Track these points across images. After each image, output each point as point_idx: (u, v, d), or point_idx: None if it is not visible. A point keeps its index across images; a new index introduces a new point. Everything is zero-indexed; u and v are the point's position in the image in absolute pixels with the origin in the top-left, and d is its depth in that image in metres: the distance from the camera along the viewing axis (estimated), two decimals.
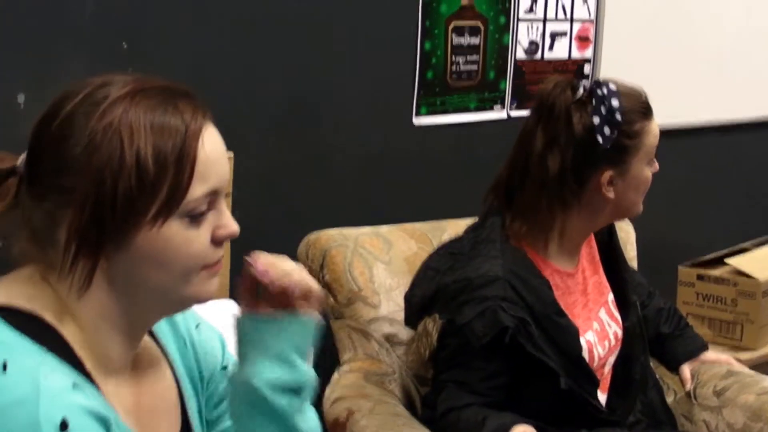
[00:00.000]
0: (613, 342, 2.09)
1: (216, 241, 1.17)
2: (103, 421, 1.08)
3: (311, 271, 2.31)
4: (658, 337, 2.31)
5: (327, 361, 2.20)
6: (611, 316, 2.12)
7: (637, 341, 2.17)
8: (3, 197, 1.15)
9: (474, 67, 2.85)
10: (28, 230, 1.15)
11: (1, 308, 1.13)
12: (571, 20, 3.09)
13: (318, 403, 1.94)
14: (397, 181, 2.74)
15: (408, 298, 2.09)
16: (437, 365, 2.02)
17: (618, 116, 1.93)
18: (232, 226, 1.18)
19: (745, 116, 3.70)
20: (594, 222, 2.05)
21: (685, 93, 3.48)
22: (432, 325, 2.03)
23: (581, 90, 1.96)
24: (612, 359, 2.12)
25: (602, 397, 2.09)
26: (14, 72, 2.19)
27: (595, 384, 2.01)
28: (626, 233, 2.56)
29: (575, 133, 1.93)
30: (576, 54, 3.12)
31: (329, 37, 2.61)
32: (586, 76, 3.15)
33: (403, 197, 2.70)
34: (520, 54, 2.97)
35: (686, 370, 2.29)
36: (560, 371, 1.91)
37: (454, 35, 2.80)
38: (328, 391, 2.17)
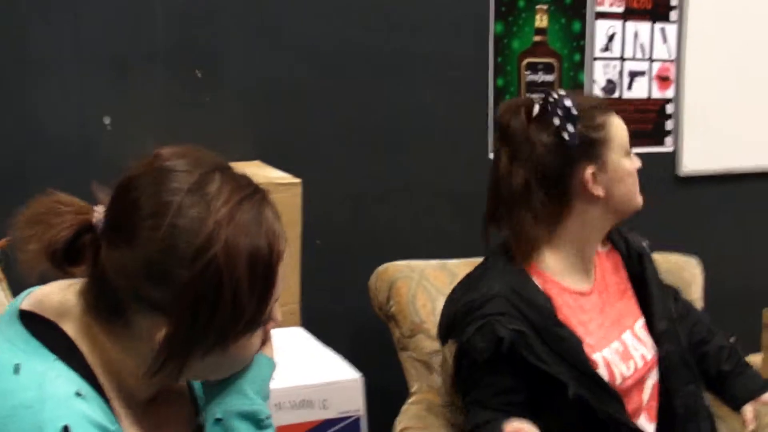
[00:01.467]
0: (640, 364, 2.07)
1: (266, 337, 1.27)
2: None
3: (379, 303, 2.37)
4: (719, 374, 2.26)
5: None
6: (639, 339, 2.11)
7: (679, 371, 2.14)
8: (81, 258, 1.17)
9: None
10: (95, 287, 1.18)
11: (25, 313, 1.17)
12: (651, 59, 3.08)
13: None
14: (472, 215, 2.77)
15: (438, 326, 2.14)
16: (459, 390, 2.06)
17: (574, 111, 1.97)
18: (279, 319, 1.25)
19: None
20: (596, 226, 2.05)
21: None
22: (449, 350, 2.08)
23: (536, 108, 2.01)
24: (650, 384, 2.10)
25: (651, 426, 2.08)
26: (100, 96, 2.37)
27: (616, 398, 1.98)
28: (692, 275, 2.56)
29: (539, 144, 1.98)
30: (656, 93, 3.11)
31: (400, 67, 2.68)
32: (669, 116, 3.14)
33: (477, 232, 2.72)
34: (598, 92, 2.97)
35: (749, 410, 2.21)
36: (568, 381, 1.91)
37: (527, 72, 2.81)
38: (397, 421, 2.22)
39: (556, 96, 2.01)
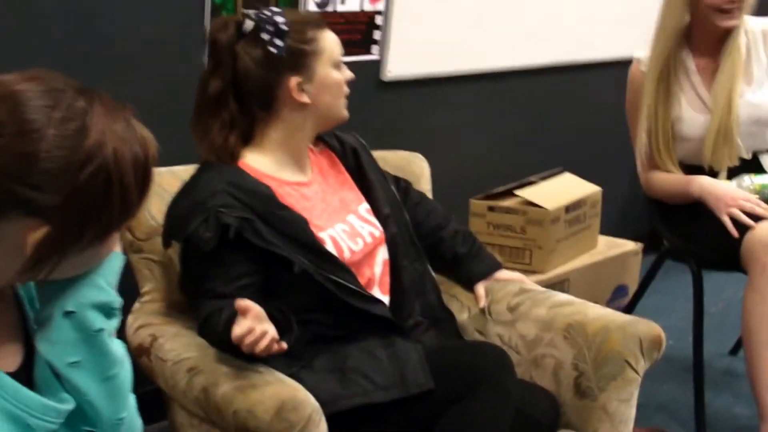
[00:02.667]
0: (368, 240, 2.32)
1: None
2: None
3: None
4: (455, 257, 2.54)
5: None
6: (365, 220, 2.36)
7: (404, 250, 2.41)
8: None
9: None
10: None
11: None
12: None
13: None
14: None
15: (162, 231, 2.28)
16: (188, 287, 2.22)
17: (284, 26, 2.20)
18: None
19: (532, 62, 4.04)
20: (301, 131, 2.28)
21: (477, 41, 3.77)
22: (174, 251, 2.25)
23: (249, 24, 2.23)
24: (381, 259, 2.35)
25: (385, 298, 2.33)
26: None
27: (346, 270, 2.21)
28: (420, 168, 2.81)
29: (247, 58, 2.21)
30: (368, 6, 3.36)
31: None
32: (378, 27, 3.40)
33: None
34: (312, 8, 3.16)
35: (480, 287, 2.52)
36: (295, 258, 2.13)
37: None
38: (130, 319, 2.33)
39: (268, 13, 2.22)
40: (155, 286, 2.38)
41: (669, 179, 3.14)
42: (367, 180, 2.43)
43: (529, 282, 2.59)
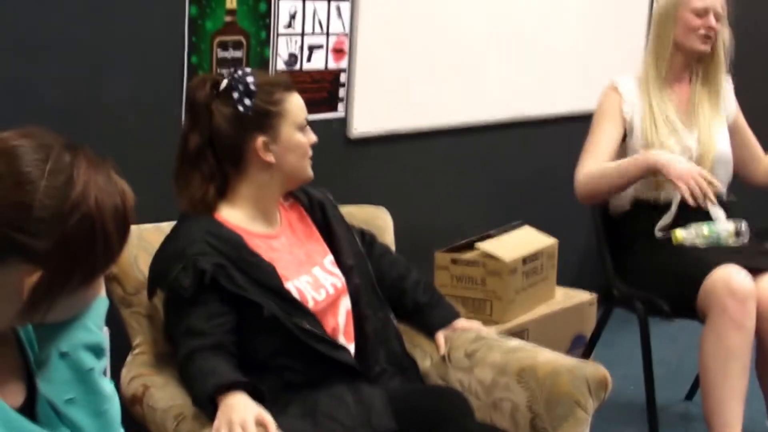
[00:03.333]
0: (331, 291, 2.44)
1: None
2: None
3: None
4: (416, 306, 2.66)
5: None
6: (329, 272, 2.48)
7: (367, 300, 2.53)
8: None
9: None
10: None
11: None
12: (327, 34, 3.50)
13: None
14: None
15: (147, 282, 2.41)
16: (170, 332, 2.35)
17: (253, 87, 2.33)
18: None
19: (493, 117, 4.20)
20: (268, 188, 2.40)
21: (439, 98, 3.93)
22: (158, 300, 2.38)
23: (224, 83, 2.37)
24: (344, 308, 2.47)
25: (351, 346, 2.46)
26: None
27: (312, 316, 2.34)
28: (384, 222, 2.94)
29: (219, 115, 2.34)
30: (332, 65, 3.54)
31: (99, 48, 2.89)
32: (342, 85, 3.59)
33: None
34: (281, 66, 3.34)
35: (441, 336, 2.63)
36: (265, 303, 2.26)
37: (219, 50, 3.16)
38: (124, 371, 2.47)
39: (240, 73, 2.36)
40: (145, 338, 2.51)
41: (614, 162, 3.25)
42: (333, 233, 2.56)
43: (485, 329, 2.71)
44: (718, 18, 3.32)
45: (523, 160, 4.40)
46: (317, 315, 2.38)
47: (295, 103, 2.40)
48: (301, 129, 2.41)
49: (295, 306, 2.33)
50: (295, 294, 2.35)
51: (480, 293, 3.54)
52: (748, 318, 2.96)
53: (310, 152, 2.43)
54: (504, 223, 3.84)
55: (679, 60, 3.37)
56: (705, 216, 3.23)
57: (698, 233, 3.17)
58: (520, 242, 3.70)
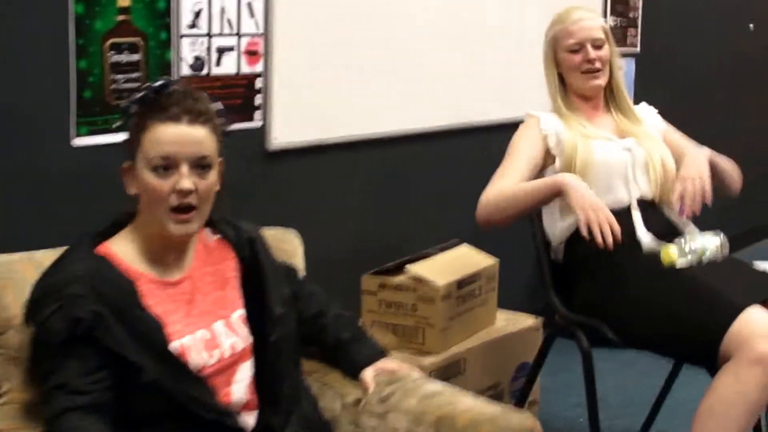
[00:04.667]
0: (227, 354, 2.23)
1: None
2: None
3: None
4: (337, 343, 2.48)
5: None
6: (232, 330, 2.26)
7: (287, 356, 2.33)
8: None
9: (136, 84, 2.95)
10: None
11: None
12: (239, 34, 3.27)
13: None
14: (58, 202, 2.83)
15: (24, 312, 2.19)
16: (38, 376, 2.14)
17: (133, 108, 2.14)
18: None
19: (427, 126, 4.04)
20: (151, 226, 2.17)
21: (369, 104, 3.76)
22: (26, 333, 2.16)
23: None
24: (244, 375, 2.26)
25: (251, 416, 2.25)
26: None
27: (199, 383, 2.14)
28: (293, 246, 2.72)
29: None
30: (246, 69, 3.31)
31: None
32: (258, 91, 3.35)
33: (65, 220, 2.78)
34: (186, 71, 3.11)
35: (368, 374, 2.44)
36: (145, 365, 2.06)
37: (112, 53, 2.91)
38: None
39: (160, 83, 2.15)
40: (13, 385, 2.28)
41: (526, 182, 3.12)
42: (262, 275, 2.34)
43: (416, 372, 2.52)
44: (599, 45, 3.25)
45: (463, 172, 4.23)
46: (207, 379, 2.18)
47: (156, 137, 2.11)
48: (157, 170, 2.12)
49: (180, 370, 2.13)
50: (186, 354, 2.16)
51: (411, 320, 3.34)
52: None
53: (171, 203, 2.12)
54: (442, 242, 3.66)
55: (578, 98, 3.31)
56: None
57: (690, 249, 2.98)
58: (456, 263, 3.52)
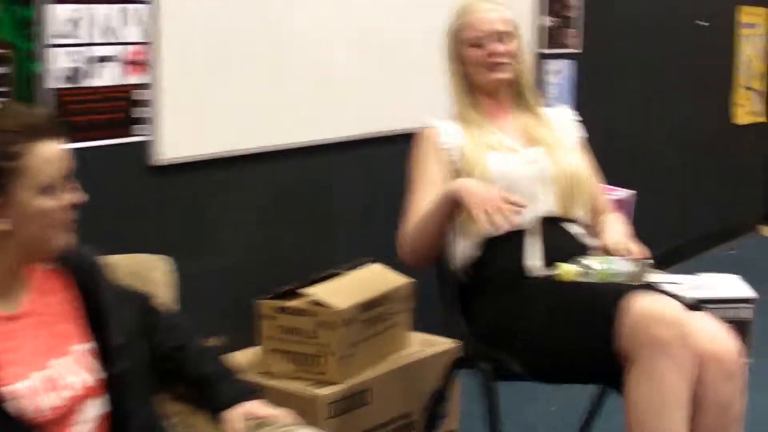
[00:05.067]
0: (74, 392, 2.07)
1: None
2: None
3: None
4: (200, 380, 2.29)
5: None
6: (79, 364, 2.10)
7: (136, 391, 2.16)
8: None
9: (4, 99, 2.76)
10: None
11: None
12: (121, 43, 3.07)
13: None
14: None
15: None
16: None
17: None
18: None
19: (336, 135, 3.86)
20: (2, 261, 2.02)
21: (267, 114, 3.58)
22: None
23: None
24: (91, 414, 2.10)
25: None
26: None
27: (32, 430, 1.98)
28: (162, 274, 2.53)
29: None
30: (129, 80, 3.10)
31: None
32: (143, 103, 3.14)
33: None
34: (57, 83, 2.91)
35: (234, 416, 2.24)
36: None
37: None
38: None
39: None
40: None
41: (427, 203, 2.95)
42: (101, 304, 2.17)
43: (291, 418, 2.30)
44: (504, 38, 3.08)
45: (376, 185, 4.05)
46: (52, 424, 2.00)
47: (41, 158, 1.97)
48: (48, 191, 1.98)
49: (11, 422, 1.95)
50: (26, 398, 1.97)
51: (311, 347, 3.14)
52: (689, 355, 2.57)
53: (65, 217, 2.02)
54: (349, 261, 3.47)
55: (483, 96, 3.12)
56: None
57: (594, 269, 2.80)
58: (363, 284, 3.32)
